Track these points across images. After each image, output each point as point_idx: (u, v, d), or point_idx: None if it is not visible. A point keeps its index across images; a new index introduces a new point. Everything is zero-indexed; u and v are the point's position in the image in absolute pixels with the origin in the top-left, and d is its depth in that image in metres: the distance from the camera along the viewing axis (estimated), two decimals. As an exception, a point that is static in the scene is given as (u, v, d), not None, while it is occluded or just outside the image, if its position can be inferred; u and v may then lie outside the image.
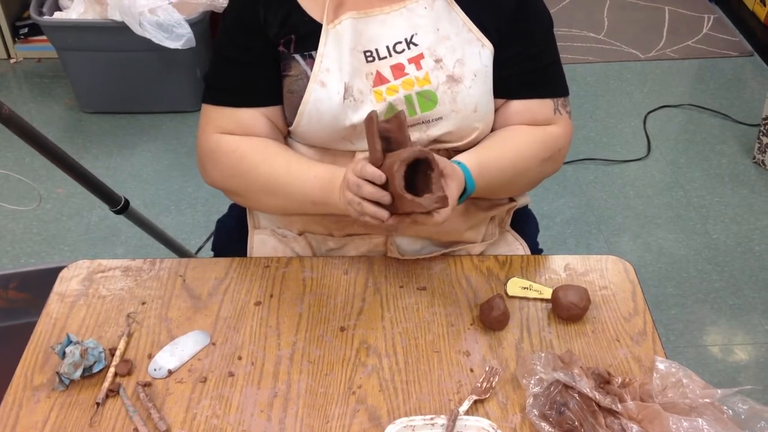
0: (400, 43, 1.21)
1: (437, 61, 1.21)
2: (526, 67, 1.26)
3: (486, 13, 1.23)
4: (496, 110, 1.27)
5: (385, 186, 1.07)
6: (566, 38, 3.47)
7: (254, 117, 1.24)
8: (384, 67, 1.21)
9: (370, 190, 1.06)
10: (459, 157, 1.21)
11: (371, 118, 1.09)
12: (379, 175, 1.06)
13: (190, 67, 2.88)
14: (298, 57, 1.21)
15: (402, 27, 1.22)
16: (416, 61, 1.21)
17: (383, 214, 1.08)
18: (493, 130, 1.29)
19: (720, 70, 3.32)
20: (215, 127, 1.25)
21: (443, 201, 1.05)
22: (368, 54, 1.21)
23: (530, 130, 1.26)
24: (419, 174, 1.08)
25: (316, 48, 1.20)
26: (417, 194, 1.06)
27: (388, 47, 1.21)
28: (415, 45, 1.21)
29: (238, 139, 1.24)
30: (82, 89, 2.98)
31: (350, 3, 1.21)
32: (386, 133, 1.10)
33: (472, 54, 1.22)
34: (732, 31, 3.55)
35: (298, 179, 1.20)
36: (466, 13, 1.23)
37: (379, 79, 1.20)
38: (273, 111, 1.25)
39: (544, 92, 1.27)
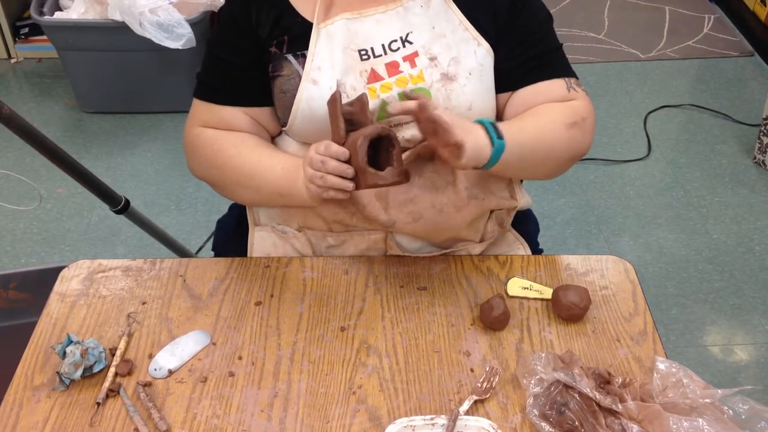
0: (396, 41, 1.22)
1: (432, 59, 1.21)
2: (527, 54, 1.25)
3: (482, 11, 1.24)
4: (504, 104, 1.27)
5: (347, 163, 1.10)
6: (566, 38, 3.47)
7: (237, 116, 1.27)
8: (379, 65, 1.21)
9: (334, 164, 1.10)
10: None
11: (335, 98, 1.11)
12: (343, 152, 1.09)
13: (190, 67, 2.87)
14: (290, 57, 1.22)
15: (398, 25, 1.22)
16: (411, 59, 1.22)
17: (348, 184, 1.10)
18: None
19: (720, 70, 3.32)
20: (199, 120, 1.29)
21: (405, 175, 1.10)
22: (363, 52, 1.22)
23: (549, 103, 1.25)
24: (381, 152, 1.12)
25: (308, 47, 1.21)
26: (379, 170, 1.09)
27: (383, 45, 1.22)
28: (410, 43, 1.22)
29: (217, 132, 1.27)
30: (83, 89, 2.98)
31: (343, 3, 1.22)
32: (349, 116, 1.13)
33: (467, 52, 1.22)
34: (732, 31, 3.55)
35: (266, 171, 1.23)
36: (463, 12, 1.23)
37: (374, 77, 1.21)
38: (257, 111, 1.27)
39: (550, 73, 1.26)
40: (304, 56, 1.21)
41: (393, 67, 1.22)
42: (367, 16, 1.22)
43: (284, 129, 1.28)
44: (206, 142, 1.27)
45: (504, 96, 1.27)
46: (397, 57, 1.22)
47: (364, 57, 1.22)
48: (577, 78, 1.29)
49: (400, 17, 1.22)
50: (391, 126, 1.22)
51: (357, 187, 1.11)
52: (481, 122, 1.15)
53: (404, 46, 1.22)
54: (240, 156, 1.24)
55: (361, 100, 1.13)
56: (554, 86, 1.25)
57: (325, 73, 1.20)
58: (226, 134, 1.27)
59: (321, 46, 1.21)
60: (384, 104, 1.21)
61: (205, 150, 1.27)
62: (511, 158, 1.15)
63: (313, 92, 1.20)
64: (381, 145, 1.11)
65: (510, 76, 1.25)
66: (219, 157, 1.26)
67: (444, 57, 1.22)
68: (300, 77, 1.21)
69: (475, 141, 1.11)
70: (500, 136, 1.14)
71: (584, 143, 1.27)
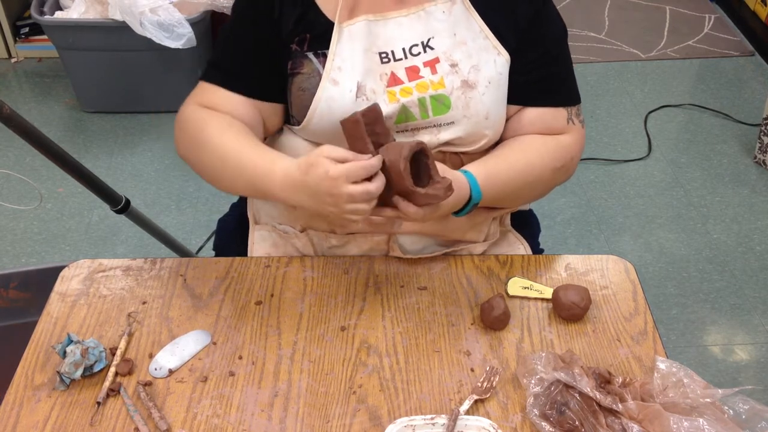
0: (417, 45, 1.21)
1: (453, 65, 1.21)
2: (541, 74, 1.26)
3: (503, 20, 1.23)
4: (509, 118, 1.28)
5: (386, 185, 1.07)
6: (567, 38, 3.47)
7: (240, 104, 1.23)
8: (399, 69, 1.21)
9: (374, 191, 1.05)
10: (467, 167, 1.21)
11: (357, 120, 1.06)
12: (376, 187, 1.05)
13: (191, 66, 2.88)
14: (311, 55, 1.21)
15: (419, 30, 1.21)
16: (432, 64, 1.21)
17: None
18: (505, 137, 1.29)
19: (721, 69, 3.32)
20: (197, 100, 1.26)
21: (451, 187, 1.08)
22: (383, 55, 1.21)
23: (542, 140, 1.27)
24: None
25: (329, 46, 1.20)
26: (417, 184, 1.07)
27: (404, 49, 1.21)
28: (432, 48, 1.21)
29: (209, 112, 1.23)
30: (83, 89, 2.98)
31: (366, 5, 1.21)
32: (369, 128, 1.08)
33: (487, 61, 1.22)
34: (733, 30, 3.55)
35: (245, 161, 1.16)
36: (484, 20, 1.23)
37: (394, 80, 1.20)
38: (263, 105, 1.25)
39: (559, 101, 1.28)
40: (325, 55, 1.20)
41: (413, 72, 1.21)
42: (389, 18, 1.21)
43: (296, 128, 1.26)
44: (193, 117, 1.24)
45: (512, 108, 1.27)
46: (417, 62, 1.21)
47: (385, 60, 1.21)
48: (580, 102, 1.32)
49: (422, 21, 1.21)
50: (407, 129, 1.22)
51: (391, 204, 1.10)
52: (465, 175, 1.18)
53: (425, 51, 1.21)
54: (221, 138, 1.20)
55: (375, 110, 1.08)
56: (557, 116, 1.28)
57: (345, 74, 1.19)
58: (215, 115, 1.22)
59: (342, 46, 1.20)
60: (404, 108, 1.20)
61: (190, 125, 1.24)
62: (484, 201, 1.21)
63: (333, 92, 1.19)
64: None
65: (522, 91, 1.26)
66: (201, 135, 1.22)
67: (465, 64, 1.21)
68: (320, 76, 1.20)
69: (452, 206, 1.17)
70: (478, 193, 1.19)
71: (565, 180, 1.33)
